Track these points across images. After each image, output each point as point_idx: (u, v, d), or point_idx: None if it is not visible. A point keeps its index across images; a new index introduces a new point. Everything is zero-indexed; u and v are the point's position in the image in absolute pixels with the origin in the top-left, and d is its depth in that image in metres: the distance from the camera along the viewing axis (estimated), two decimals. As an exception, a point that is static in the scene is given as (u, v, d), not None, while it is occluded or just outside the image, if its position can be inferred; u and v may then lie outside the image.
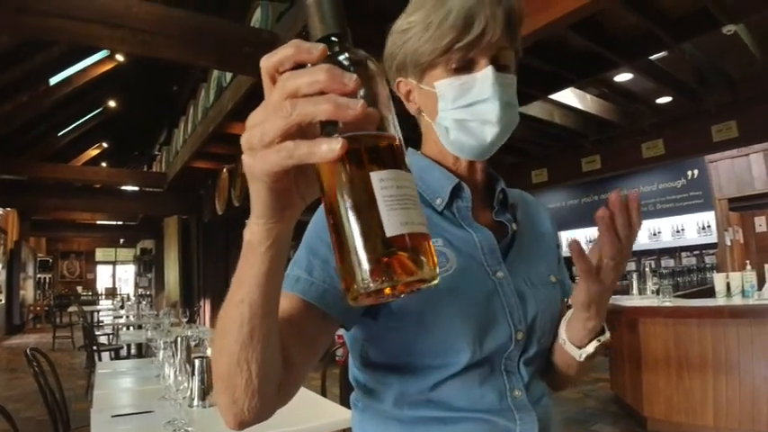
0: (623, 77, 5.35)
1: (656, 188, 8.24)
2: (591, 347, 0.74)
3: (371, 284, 0.38)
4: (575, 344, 0.76)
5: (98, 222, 17.35)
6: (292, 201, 0.45)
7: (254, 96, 4.65)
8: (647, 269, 5.11)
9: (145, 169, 13.43)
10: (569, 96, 5.78)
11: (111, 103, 11.42)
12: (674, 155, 6.47)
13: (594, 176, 7.47)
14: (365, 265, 0.38)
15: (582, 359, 0.75)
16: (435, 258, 0.41)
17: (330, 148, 0.37)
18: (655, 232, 8.32)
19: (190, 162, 8.25)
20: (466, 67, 0.73)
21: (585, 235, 9.21)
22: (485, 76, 0.73)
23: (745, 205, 7.42)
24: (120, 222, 17.48)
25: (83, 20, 3.13)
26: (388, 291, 0.39)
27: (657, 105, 6.14)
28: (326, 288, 0.67)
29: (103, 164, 14.65)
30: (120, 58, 8.57)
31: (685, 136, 6.17)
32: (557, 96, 5.47)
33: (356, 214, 0.39)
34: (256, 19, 4.47)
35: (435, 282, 0.41)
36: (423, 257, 0.40)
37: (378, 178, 0.39)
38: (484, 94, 0.73)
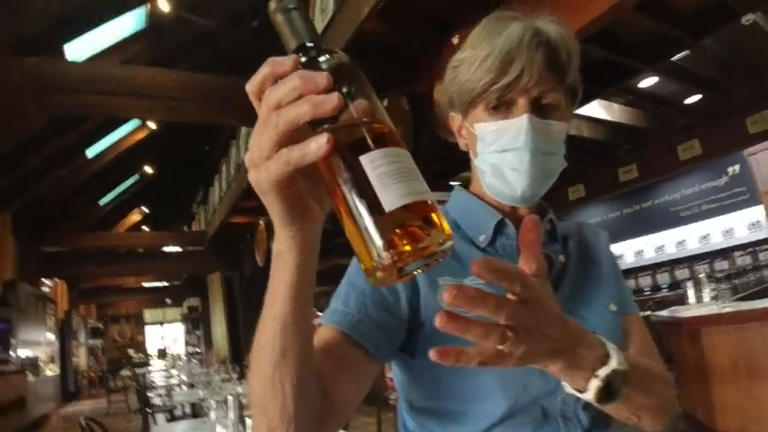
0: (648, 82, 5.26)
1: (697, 189, 7.97)
2: (591, 388, 0.53)
3: (385, 260, 0.39)
4: (572, 386, 0.56)
5: (144, 285, 17.78)
6: (307, 205, 0.47)
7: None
8: (701, 275, 4.89)
9: (185, 229, 13.78)
10: (596, 109, 5.70)
11: (148, 169, 11.85)
12: (712, 153, 6.25)
13: (633, 186, 7.26)
14: (375, 242, 0.40)
15: (599, 404, 0.55)
16: (444, 222, 0.42)
17: (318, 144, 0.39)
18: (704, 235, 8.01)
19: (227, 218, 8.45)
20: (505, 107, 0.73)
21: (631, 247, 8.97)
22: (519, 123, 0.71)
23: (793, 194, 7.07)
24: (166, 283, 17.87)
25: (112, 94, 3.31)
26: (404, 260, 0.40)
27: (687, 106, 5.99)
28: (361, 318, 0.67)
29: (145, 228, 15.11)
30: (151, 125, 8.93)
31: (720, 132, 5.97)
32: (583, 110, 5.40)
33: (356, 198, 0.41)
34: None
35: (450, 243, 0.41)
36: (430, 222, 0.41)
37: (368, 160, 0.41)
38: (516, 142, 0.72)
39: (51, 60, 3.41)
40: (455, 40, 2.96)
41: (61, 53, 4.52)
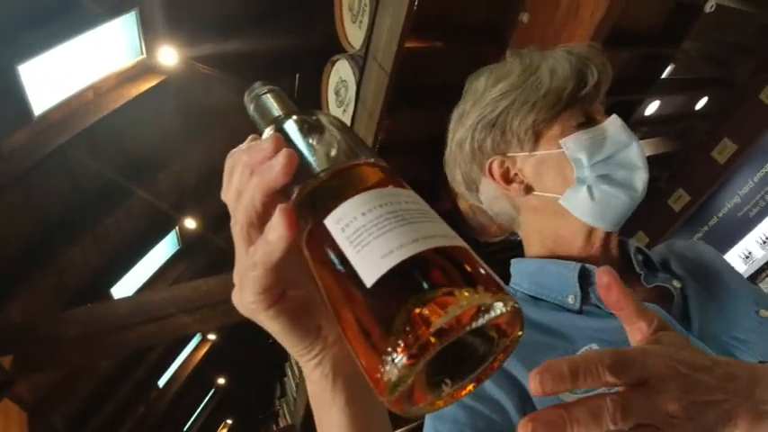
0: (652, 108, 5.27)
1: (752, 184, 7.58)
2: None
3: (400, 360, 0.23)
4: None
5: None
6: (312, 313, 0.35)
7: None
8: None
9: (274, 428, 13.43)
10: (615, 152, 5.68)
11: (221, 381, 11.87)
12: (746, 143, 6.07)
13: (690, 210, 6.99)
14: (378, 339, 0.25)
15: None
16: (482, 268, 0.27)
17: (275, 224, 0.29)
18: (777, 227, 7.51)
19: (309, 404, 8.21)
20: (589, 121, 0.69)
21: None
22: (615, 123, 0.68)
23: None
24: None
25: (163, 317, 3.39)
26: (426, 354, 0.24)
27: (700, 111, 5.93)
28: None
29: (235, 439, 14.79)
30: (211, 336, 9.10)
31: (744, 120, 5.84)
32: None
33: (338, 283, 0.27)
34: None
35: (507, 305, 0.25)
36: (451, 278, 0.25)
37: (333, 221, 0.28)
38: (623, 140, 0.68)
39: (99, 305, 3.57)
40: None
41: (110, 296, 4.76)
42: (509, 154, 0.71)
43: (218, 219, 5.84)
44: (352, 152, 0.33)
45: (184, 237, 5.80)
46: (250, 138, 0.37)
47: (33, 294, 3.90)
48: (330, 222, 0.28)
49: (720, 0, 4.08)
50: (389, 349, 0.24)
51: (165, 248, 5.68)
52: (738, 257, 8.14)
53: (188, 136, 4.48)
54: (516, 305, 0.26)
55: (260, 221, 0.32)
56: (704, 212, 8.03)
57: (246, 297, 0.33)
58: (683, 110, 5.71)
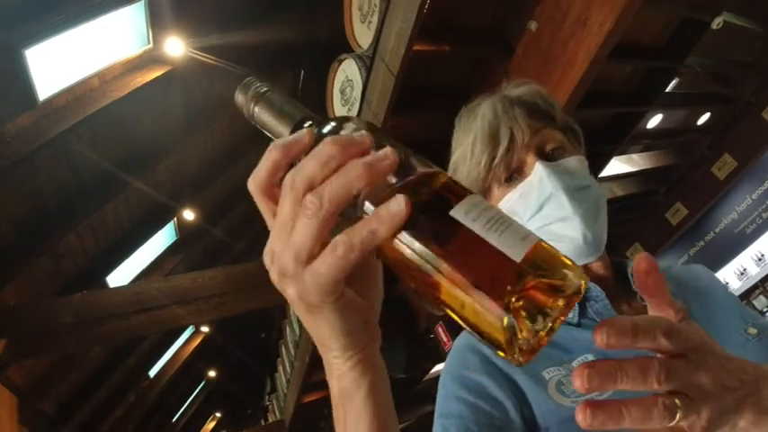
0: (655, 121, 5.29)
1: (750, 201, 7.62)
2: None
3: (522, 332, 0.31)
4: None
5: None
6: (365, 314, 0.36)
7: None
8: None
9: (262, 423, 13.43)
10: (619, 165, 5.71)
11: (212, 373, 11.88)
12: (746, 160, 6.10)
13: (687, 224, 7.01)
14: (506, 316, 0.31)
15: None
16: (568, 259, 0.33)
17: (392, 212, 0.30)
18: (777, 243, 7.54)
19: (300, 399, 8.20)
20: (516, 173, 0.70)
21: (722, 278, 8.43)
22: (536, 173, 0.68)
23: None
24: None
25: (158, 308, 3.39)
26: (552, 322, 0.32)
27: (701, 126, 5.96)
28: None
29: (224, 433, 14.80)
30: (204, 329, 9.11)
31: (745, 137, 5.88)
32: (606, 172, 5.43)
33: (460, 263, 0.31)
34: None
35: (585, 281, 0.33)
36: (559, 264, 0.33)
37: (462, 212, 0.33)
38: (545, 191, 0.67)
39: (94, 293, 3.57)
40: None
41: (105, 284, 4.76)
42: None
43: (216, 211, 5.85)
44: (424, 162, 0.37)
45: (182, 228, 5.80)
46: (306, 133, 0.34)
47: (28, 279, 3.90)
48: (458, 213, 0.32)
49: (727, 17, 4.10)
50: (519, 308, 0.31)
51: (162, 239, 5.68)
52: (733, 273, 8.17)
53: (190, 127, 4.49)
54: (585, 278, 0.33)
55: (339, 210, 0.31)
56: (701, 227, 8.05)
57: (321, 285, 0.32)
58: (685, 124, 5.73)
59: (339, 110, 3.52)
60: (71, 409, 5.99)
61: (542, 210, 0.67)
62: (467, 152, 0.71)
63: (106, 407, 7.18)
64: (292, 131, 0.37)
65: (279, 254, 0.33)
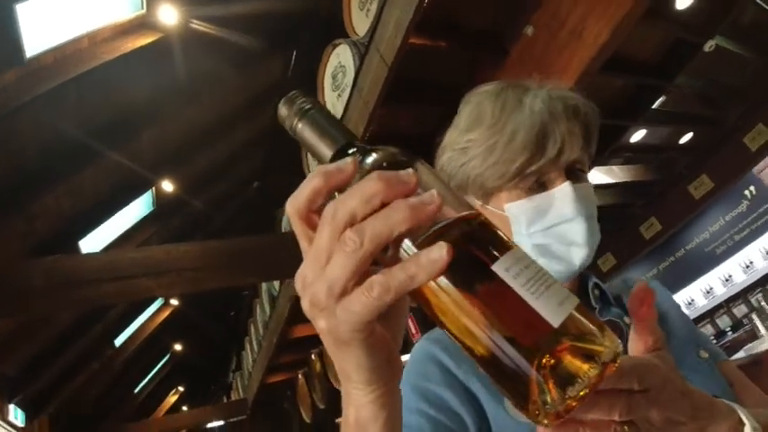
0: (638, 136, 5.37)
1: (723, 222, 7.81)
2: None
3: (563, 397, 0.31)
4: None
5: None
6: (391, 351, 0.36)
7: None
8: (762, 303, 4.64)
9: (225, 400, 13.40)
10: (598, 176, 5.77)
11: (178, 347, 11.80)
12: (723, 182, 6.25)
13: (660, 239, 7.16)
14: (537, 377, 0.31)
15: None
16: (603, 326, 0.34)
17: (435, 258, 0.30)
18: (747, 264, 7.72)
19: (265, 379, 8.20)
20: (541, 186, 0.66)
21: (682, 299, 8.59)
22: (563, 193, 0.64)
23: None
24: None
25: (130, 278, 3.35)
26: (583, 390, 0.32)
27: (683, 145, 6.07)
28: None
29: (184, 408, 14.71)
30: (174, 302, 9.04)
31: (724, 160, 6.01)
32: (585, 181, 5.45)
33: (496, 318, 0.32)
34: (285, 224, 4.72)
35: (620, 350, 0.34)
36: (597, 330, 0.33)
37: (503, 268, 0.32)
38: (566, 214, 0.64)
39: (67, 257, 3.52)
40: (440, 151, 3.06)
41: (77, 249, 4.69)
42: (467, 196, 0.70)
43: (196, 185, 5.79)
44: (459, 198, 0.36)
45: (160, 199, 5.73)
46: (350, 163, 0.34)
47: (1, 238, 3.83)
48: (500, 269, 0.32)
49: (720, 42, 4.18)
50: (550, 373, 0.31)
51: (138, 208, 5.61)
52: (699, 291, 8.39)
53: (178, 98, 4.43)
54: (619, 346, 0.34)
55: (378, 250, 0.31)
56: (673, 243, 8.23)
57: (355, 322, 0.32)
58: (668, 142, 5.83)
59: (329, 94, 3.51)
60: (33, 373, 5.92)
61: (554, 229, 0.65)
62: (498, 143, 0.64)
63: (69, 373, 7.10)
64: (334, 155, 0.37)
65: (311, 282, 0.33)
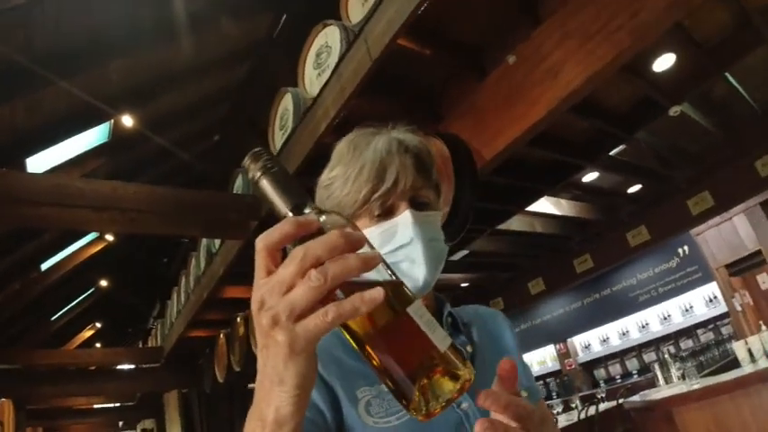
0: (590, 177, 5.59)
1: (652, 273, 8.25)
2: None
3: (437, 402, 0.45)
4: None
5: (95, 406, 16.51)
6: (316, 362, 0.46)
7: (244, 259, 4.74)
8: (666, 356, 4.97)
9: (140, 345, 13.15)
10: (546, 205, 5.98)
11: (103, 283, 11.48)
12: (660, 237, 6.59)
13: (590, 275, 7.48)
14: (419, 387, 0.45)
15: None
16: (465, 359, 0.48)
17: (374, 297, 0.41)
18: (665, 316, 8.19)
19: (186, 332, 8.11)
20: (388, 212, 0.78)
21: (598, 335, 9.04)
22: (405, 219, 0.77)
23: (743, 267, 7.35)
24: (118, 404, 16.66)
25: (72, 206, 3.28)
26: (448, 399, 0.46)
27: (631, 194, 6.35)
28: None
29: (97, 344, 14.34)
30: (109, 237, 8.79)
31: (665, 217, 6.33)
32: (534, 207, 5.65)
33: (401, 346, 0.46)
34: (238, 185, 4.70)
35: (473, 376, 0.48)
36: (460, 362, 0.47)
37: (413, 310, 0.46)
38: (405, 236, 0.77)
39: (12, 173, 3.41)
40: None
41: (23, 165, 4.53)
42: None
43: (155, 126, 5.65)
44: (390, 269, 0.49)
45: (117, 132, 5.57)
46: (313, 222, 0.45)
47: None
48: (411, 311, 0.46)
49: (685, 109, 4.43)
50: (429, 385, 0.45)
51: (92, 136, 5.44)
52: (616, 332, 8.83)
53: (157, 34, 4.32)
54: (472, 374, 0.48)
55: (335, 287, 0.42)
56: (601, 282, 8.64)
57: (309, 338, 0.42)
58: (617, 188, 6.11)
59: (310, 71, 3.53)
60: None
61: (399, 250, 0.77)
62: (351, 176, 0.76)
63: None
64: (292, 210, 0.47)
65: (272, 305, 0.42)
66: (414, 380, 0.45)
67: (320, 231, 0.44)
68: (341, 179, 0.78)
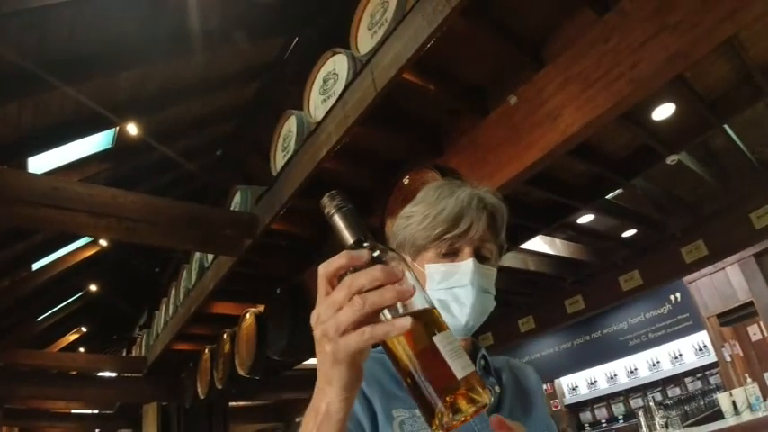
0: (586, 219, 5.63)
1: (643, 318, 8.23)
2: None
3: (452, 419, 0.52)
4: None
5: (73, 411, 16.23)
6: (361, 371, 0.55)
7: (236, 276, 4.75)
8: (651, 403, 4.95)
9: (124, 353, 13.00)
10: (540, 244, 6.01)
11: (93, 287, 11.42)
12: (652, 283, 6.58)
13: (580, 317, 7.44)
14: (441, 405, 0.52)
15: None
16: (485, 386, 0.55)
17: (402, 325, 0.49)
18: (654, 363, 8.15)
19: (171, 345, 8.02)
20: (453, 253, 0.89)
21: (586, 378, 8.97)
22: (466, 265, 0.87)
23: (734, 317, 7.37)
24: (97, 411, 16.38)
25: (71, 210, 3.31)
26: (464, 418, 0.53)
27: (625, 239, 6.38)
28: None
29: (81, 349, 14.17)
30: (103, 242, 8.78)
31: (659, 263, 6.34)
32: (528, 245, 5.67)
33: (428, 368, 0.53)
34: (236, 202, 4.72)
35: (491, 400, 0.56)
36: (480, 388, 0.54)
37: (438, 339, 0.54)
38: (463, 280, 0.87)
39: (12, 171, 3.44)
40: (405, 181, 3.18)
41: (24, 164, 4.57)
42: (407, 256, 0.94)
43: (160, 137, 5.71)
44: (424, 296, 0.57)
45: (120, 139, 5.62)
46: (365, 255, 0.54)
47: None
48: (437, 339, 0.54)
49: (683, 158, 4.49)
50: (450, 404, 0.52)
51: (96, 141, 5.49)
52: (604, 375, 8.77)
53: (171, 47, 4.40)
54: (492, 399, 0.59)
55: (374, 312, 0.50)
56: (592, 324, 8.61)
57: (348, 351, 0.50)
58: (611, 232, 6.13)
59: (316, 96, 3.59)
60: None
61: (452, 289, 0.87)
62: (430, 215, 0.88)
63: (-24, 284, 6.82)
64: (354, 242, 0.57)
65: (324, 320, 0.51)
66: (435, 398, 0.52)
67: (372, 262, 0.53)
68: (421, 215, 0.90)
